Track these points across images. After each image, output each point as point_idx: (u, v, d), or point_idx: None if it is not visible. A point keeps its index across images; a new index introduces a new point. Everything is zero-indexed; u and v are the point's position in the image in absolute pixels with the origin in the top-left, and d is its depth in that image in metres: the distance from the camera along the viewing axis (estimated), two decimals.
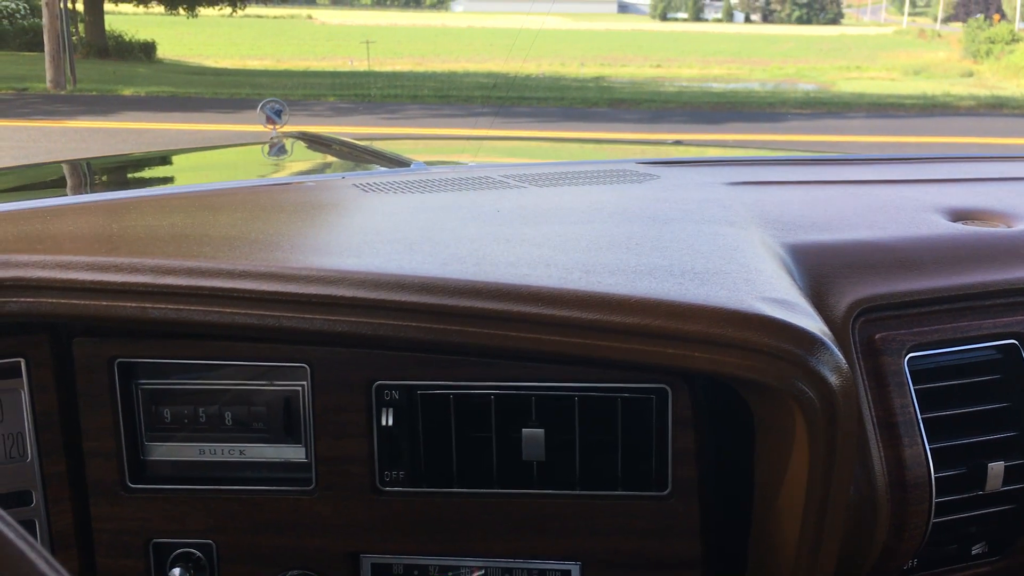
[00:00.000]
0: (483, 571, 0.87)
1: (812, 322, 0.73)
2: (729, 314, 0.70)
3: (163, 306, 0.75)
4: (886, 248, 0.99)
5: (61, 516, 0.88)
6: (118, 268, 0.75)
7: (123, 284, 0.74)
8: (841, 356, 0.72)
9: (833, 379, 0.71)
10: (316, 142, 1.94)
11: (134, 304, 0.75)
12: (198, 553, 0.88)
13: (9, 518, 0.42)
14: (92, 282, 0.75)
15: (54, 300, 0.76)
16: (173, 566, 0.88)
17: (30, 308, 0.76)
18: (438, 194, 1.15)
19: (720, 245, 0.89)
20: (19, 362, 0.85)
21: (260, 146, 1.97)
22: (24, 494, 0.88)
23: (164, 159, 2.16)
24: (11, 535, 0.42)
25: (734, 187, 1.21)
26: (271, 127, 1.90)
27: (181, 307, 0.75)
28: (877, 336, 0.92)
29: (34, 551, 0.42)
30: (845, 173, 1.35)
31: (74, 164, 1.95)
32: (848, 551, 0.86)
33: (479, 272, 0.75)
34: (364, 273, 0.74)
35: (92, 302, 0.75)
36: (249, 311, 0.74)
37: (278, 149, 1.92)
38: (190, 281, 0.74)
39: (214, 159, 2.07)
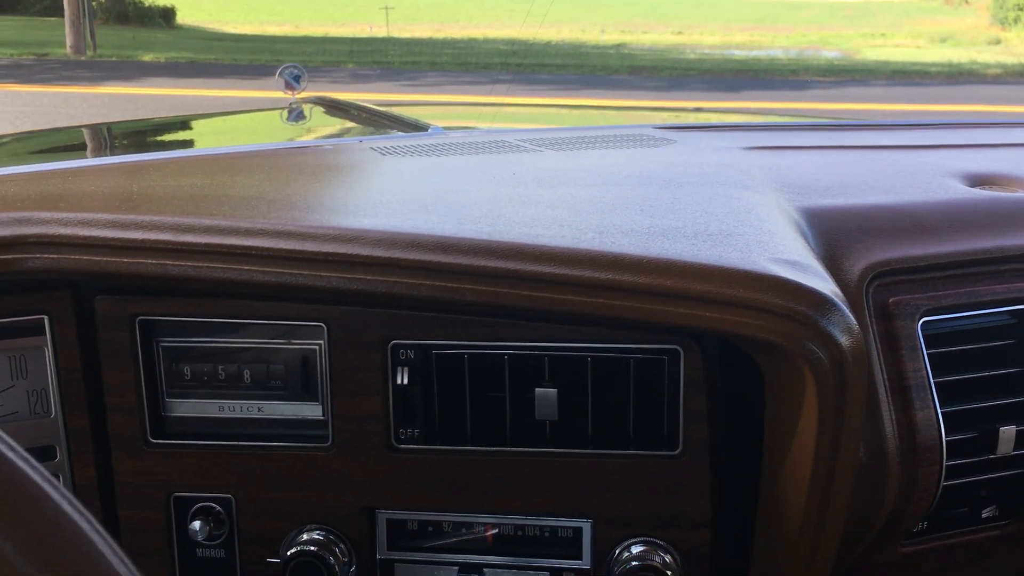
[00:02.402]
0: (496, 528, 0.89)
1: (824, 283, 0.73)
2: (741, 274, 0.71)
3: (182, 263, 0.76)
4: (902, 212, 0.99)
5: (84, 470, 0.90)
6: (139, 225, 0.76)
7: (143, 241, 0.76)
8: (852, 318, 0.72)
9: (844, 340, 0.71)
10: (334, 107, 1.95)
11: (154, 261, 0.76)
12: (218, 507, 0.90)
13: (35, 462, 0.43)
14: (113, 239, 0.76)
15: (76, 257, 0.77)
16: (193, 519, 0.89)
17: (52, 265, 0.77)
18: (454, 157, 1.16)
19: (734, 208, 0.89)
20: (42, 319, 0.87)
21: (279, 111, 1.98)
22: (48, 449, 0.90)
23: (183, 124, 2.17)
24: (36, 477, 0.43)
25: (750, 151, 1.21)
26: (290, 93, 1.90)
27: (200, 264, 0.76)
28: (891, 300, 0.92)
29: (58, 492, 0.44)
30: (863, 138, 1.34)
31: (94, 128, 1.96)
32: (857, 513, 0.87)
33: (494, 232, 0.76)
34: (380, 232, 0.75)
35: (113, 259, 0.76)
36: (266, 268, 0.75)
37: (297, 114, 1.93)
38: (209, 239, 0.75)
39: (233, 124, 2.08)
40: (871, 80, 11.71)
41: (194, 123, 2.15)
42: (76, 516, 0.41)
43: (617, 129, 1.45)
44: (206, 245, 0.75)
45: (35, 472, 0.42)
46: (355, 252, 0.74)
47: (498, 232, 0.76)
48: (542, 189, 0.95)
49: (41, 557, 0.39)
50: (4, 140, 1.69)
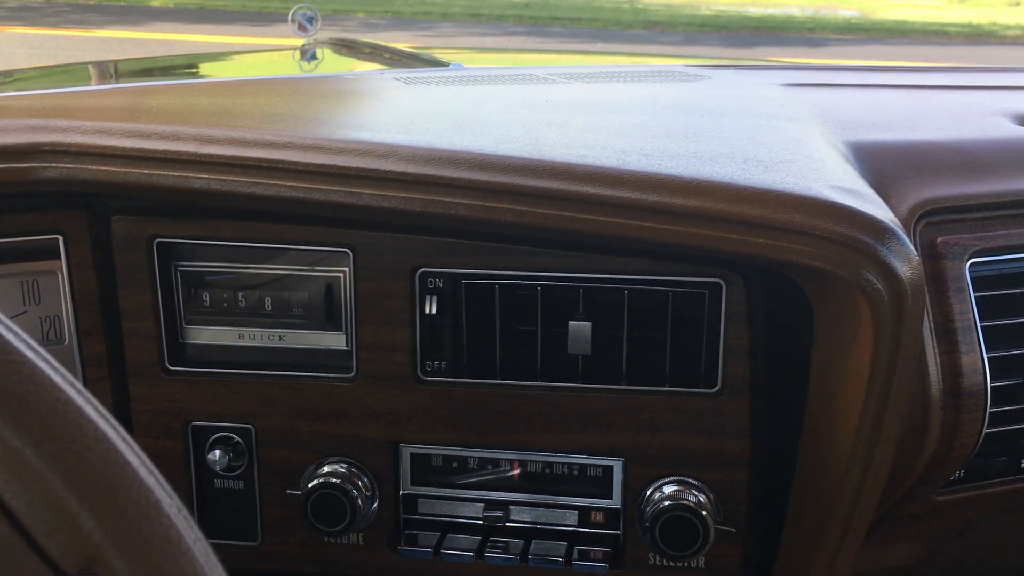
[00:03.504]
0: (523, 465, 0.86)
1: (883, 212, 0.69)
2: (797, 199, 0.67)
3: (205, 176, 0.72)
4: (952, 149, 0.95)
5: (100, 397, 0.86)
6: (160, 136, 0.72)
7: (165, 152, 0.72)
8: (912, 248, 0.68)
9: (903, 270, 0.67)
10: (349, 47, 1.89)
11: (176, 173, 0.72)
12: (237, 438, 0.87)
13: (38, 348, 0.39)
14: (133, 149, 0.72)
15: (93, 167, 0.73)
16: (212, 449, 0.87)
17: (68, 175, 0.74)
18: (483, 87, 1.11)
19: (782, 137, 0.85)
20: (57, 239, 0.84)
21: (292, 51, 1.93)
22: None
23: (195, 61, 2.12)
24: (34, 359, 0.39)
25: (790, 88, 1.16)
26: (303, 35, 1.85)
27: (224, 177, 0.72)
28: (939, 240, 0.89)
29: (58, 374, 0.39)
30: (906, 79, 1.29)
31: (106, 63, 1.91)
32: (897, 458, 0.84)
33: (534, 151, 0.72)
34: (413, 147, 0.71)
35: (133, 170, 0.72)
36: (294, 184, 0.72)
37: (310, 55, 1.88)
38: (234, 151, 0.71)
39: (245, 61, 2.03)
40: (889, 39, 11.51)
41: (206, 61, 2.10)
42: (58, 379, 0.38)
43: (647, 67, 1.40)
44: (231, 157, 0.71)
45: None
46: (388, 168, 0.70)
47: (539, 152, 0.72)
48: (579, 116, 0.91)
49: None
50: (15, 76, 1.64)
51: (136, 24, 10.29)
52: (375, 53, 1.78)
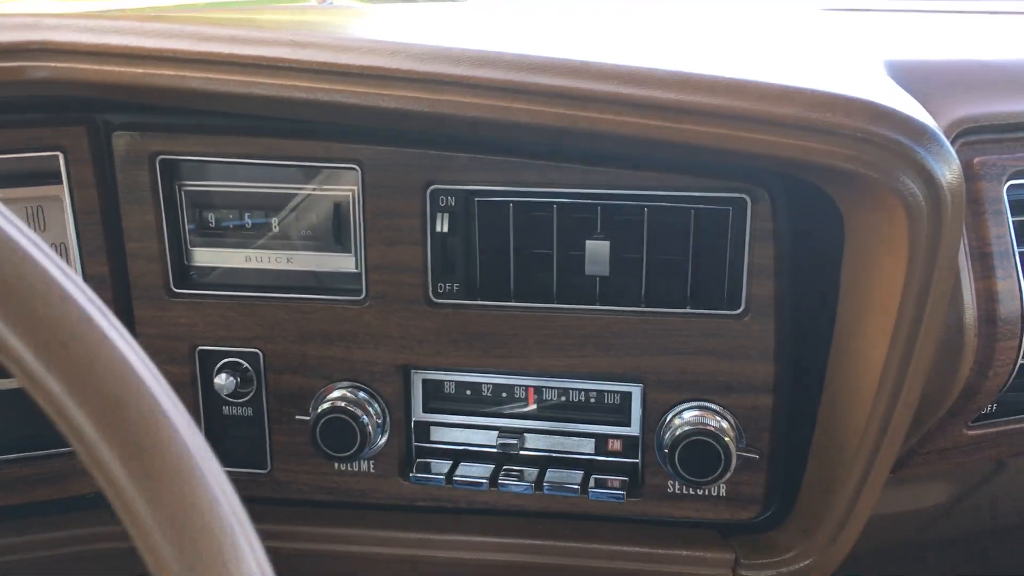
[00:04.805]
0: (538, 392, 0.83)
1: (923, 114, 0.65)
2: (830, 98, 0.62)
3: (202, 75, 0.68)
4: (992, 67, 0.90)
5: None
6: (155, 33, 0.68)
7: (160, 50, 0.68)
8: (953, 152, 0.64)
9: (945, 175, 0.63)
10: None
11: (172, 72, 0.68)
12: (245, 363, 0.85)
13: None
14: (127, 48, 0.69)
15: (86, 66, 0.70)
16: (219, 374, 0.84)
17: (59, 75, 0.70)
18: (499, 12, 1.07)
19: (816, 45, 0.80)
20: (57, 156, 0.81)
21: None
22: None
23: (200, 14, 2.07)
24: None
25: (827, 12, 1.11)
26: None
27: (222, 76, 0.68)
28: (976, 160, 0.84)
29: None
30: (946, 5, 1.24)
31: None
32: (927, 387, 0.80)
33: (548, 50, 0.68)
34: (420, 45, 0.67)
35: (127, 69, 0.69)
36: (295, 83, 0.68)
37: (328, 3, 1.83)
38: (232, 48, 0.68)
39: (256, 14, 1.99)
40: None
41: (210, 11, 2.05)
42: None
43: None
44: (229, 56, 0.68)
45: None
46: (395, 66, 0.66)
47: (553, 50, 0.68)
48: (590, 21, 0.86)
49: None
50: None
51: None
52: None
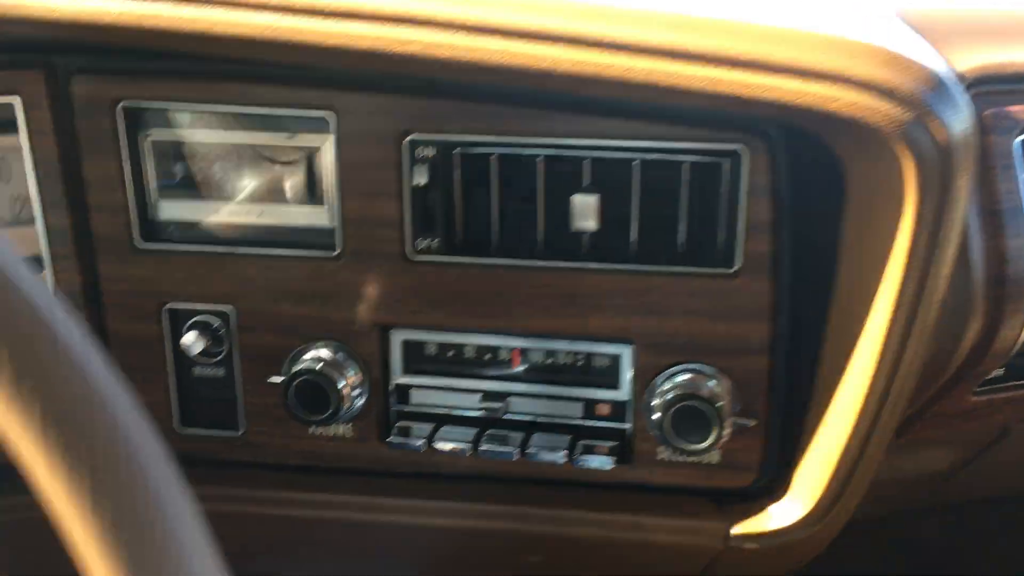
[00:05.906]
0: (523, 353, 0.79)
1: (937, 60, 0.60)
2: (833, 41, 0.58)
3: (160, 12, 0.64)
4: (1005, 15, 0.85)
5: (67, 276, 0.81)
6: None
7: None
8: (965, 101, 0.59)
9: (955, 126, 0.58)
10: None
11: (125, 6, 0.64)
12: (216, 322, 0.81)
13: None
14: None
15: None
16: (188, 332, 0.81)
17: (7, 12, 0.66)
18: None
19: (824, 2, 0.75)
20: (12, 103, 0.77)
21: None
22: (37, 259, 0.82)
23: None
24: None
25: None
26: None
27: (179, 14, 0.64)
28: (987, 112, 0.80)
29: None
30: None
31: None
32: (933, 349, 0.76)
33: None
34: None
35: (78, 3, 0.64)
36: (258, 21, 0.63)
37: None
38: None
39: None
40: None
41: None
42: None
43: None
44: None
45: None
46: (362, 3, 0.61)
47: None
48: None
49: None
50: None
51: None
52: None
